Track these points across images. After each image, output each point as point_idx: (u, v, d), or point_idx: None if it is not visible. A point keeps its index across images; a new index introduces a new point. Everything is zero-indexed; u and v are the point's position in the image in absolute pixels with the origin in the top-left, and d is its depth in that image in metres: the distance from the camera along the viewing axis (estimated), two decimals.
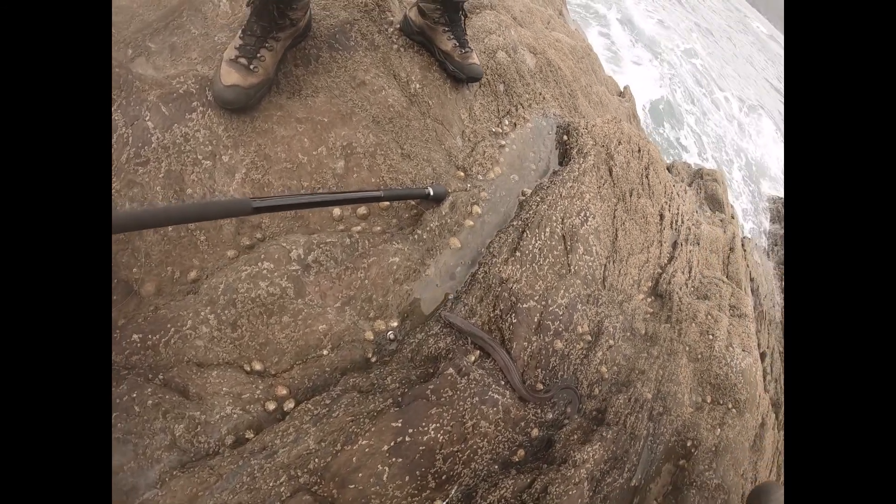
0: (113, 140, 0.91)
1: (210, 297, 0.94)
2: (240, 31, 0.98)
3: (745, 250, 2.47)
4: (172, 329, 0.91)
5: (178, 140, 0.95)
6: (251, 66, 0.96)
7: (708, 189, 2.22)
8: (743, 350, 1.38)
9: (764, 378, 2.00)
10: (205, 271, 0.97)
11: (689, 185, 2.24)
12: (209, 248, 0.98)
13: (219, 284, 0.94)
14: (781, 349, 2.15)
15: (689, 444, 1.25)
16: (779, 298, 2.47)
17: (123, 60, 1.00)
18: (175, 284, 0.96)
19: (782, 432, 2.03)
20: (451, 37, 1.23)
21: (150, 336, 0.90)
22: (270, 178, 1.03)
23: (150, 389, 0.87)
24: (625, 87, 2.68)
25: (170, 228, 0.94)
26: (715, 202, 2.18)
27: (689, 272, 1.54)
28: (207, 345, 0.93)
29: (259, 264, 0.97)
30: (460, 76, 1.27)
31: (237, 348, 0.96)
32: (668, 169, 2.36)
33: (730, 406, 1.34)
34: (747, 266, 2.29)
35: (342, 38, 1.12)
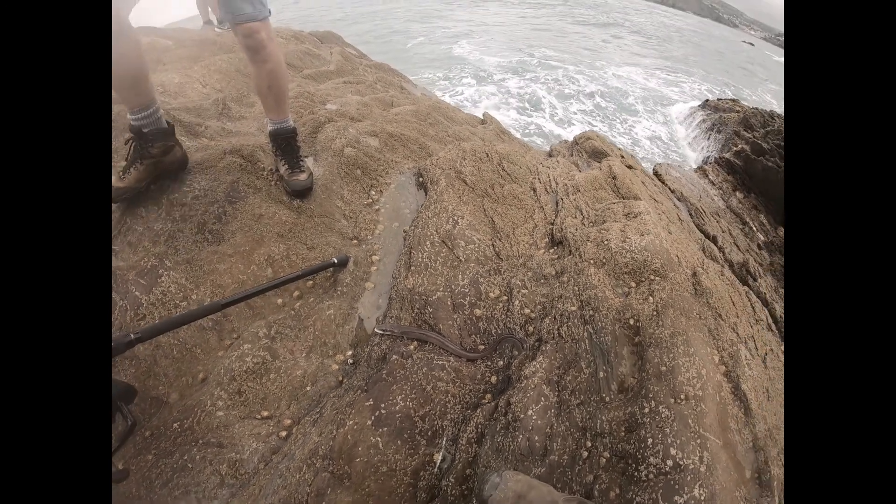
0: (116, 311, 1.92)
1: (217, 381, 1.84)
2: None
3: (659, 176, 3.46)
4: (198, 411, 1.79)
5: (159, 296, 1.96)
6: (122, 175, 2.04)
7: (587, 148, 3.29)
8: (640, 235, 2.22)
9: (723, 253, 2.77)
10: (208, 371, 1.90)
11: (570, 155, 3.31)
12: (205, 356, 1.92)
13: (220, 371, 1.85)
14: (738, 229, 2.94)
15: (632, 322, 1.93)
16: (712, 190, 3.38)
17: None
18: (191, 388, 1.87)
19: (725, 268, 2.68)
20: (284, 163, 2.32)
21: (184, 421, 1.78)
22: (225, 296, 2.03)
23: (195, 450, 1.71)
24: (484, 114, 4.01)
25: (174, 351, 1.89)
26: (598, 154, 3.22)
27: (581, 213, 2.49)
28: (225, 412, 1.80)
29: (241, 347, 1.90)
30: (289, 191, 2.33)
31: (247, 407, 1.82)
32: (549, 154, 3.48)
33: (652, 277, 2.07)
34: (664, 185, 3.23)
35: (234, 193, 2.25)
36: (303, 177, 2.33)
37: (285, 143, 2.31)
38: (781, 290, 2.66)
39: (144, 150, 2.10)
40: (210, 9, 5.94)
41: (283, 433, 1.77)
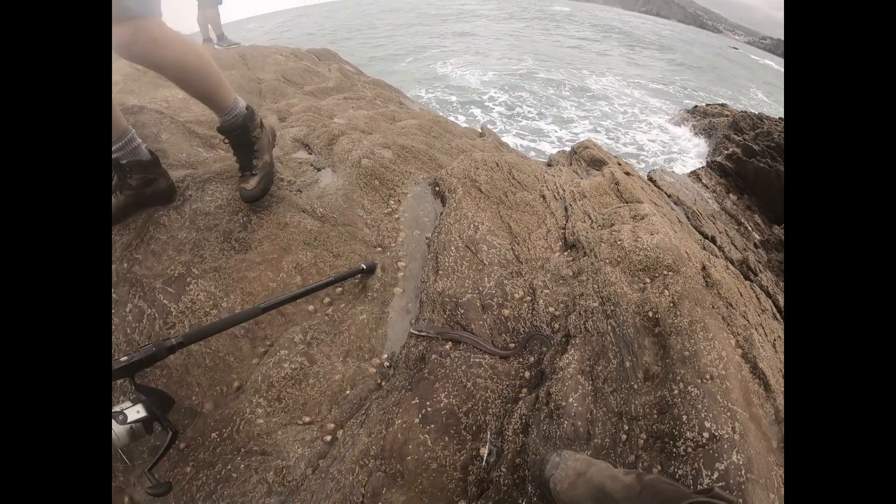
0: (144, 318, 1.81)
1: (255, 388, 1.75)
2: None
3: (654, 181, 3.61)
4: (237, 419, 1.70)
5: (189, 305, 1.86)
6: None
7: (586, 157, 3.40)
8: (650, 234, 2.31)
9: (722, 251, 2.90)
10: (243, 379, 1.81)
11: (570, 164, 3.42)
12: (239, 364, 1.83)
13: (257, 378, 1.77)
14: (734, 229, 3.10)
15: (650, 314, 2.01)
16: (706, 193, 3.56)
17: (124, 271, 1.97)
18: (226, 396, 1.77)
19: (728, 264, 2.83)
20: (238, 161, 2.03)
21: (223, 430, 1.68)
22: (258, 303, 1.96)
23: (238, 459, 1.61)
24: (482, 127, 4.11)
25: (207, 360, 1.79)
26: (597, 162, 3.33)
27: (589, 217, 2.56)
28: (266, 420, 1.71)
29: (277, 354, 1.82)
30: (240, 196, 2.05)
31: (287, 413, 1.74)
32: (548, 164, 3.58)
33: (665, 272, 2.15)
34: (660, 189, 3.38)
35: (258, 202, 2.20)
36: (249, 185, 2.05)
37: (234, 138, 2.01)
38: (781, 284, 2.78)
39: (123, 181, 1.96)
40: (210, 27, 5.99)
41: (328, 437, 1.70)
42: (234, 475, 1.59)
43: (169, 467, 1.64)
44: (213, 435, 1.67)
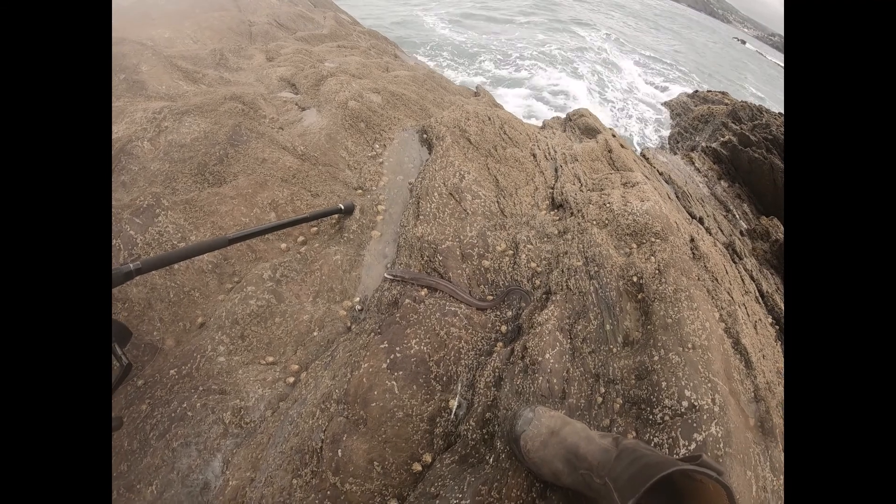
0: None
1: (218, 325, 1.50)
2: None
3: (647, 158, 3.31)
4: (198, 356, 1.46)
5: (156, 237, 1.60)
6: None
7: (580, 125, 3.08)
8: (640, 201, 2.03)
9: (710, 233, 2.65)
10: (207, 315, 1.55)
11: (564, 131, 3.11)
12: (204, 300, 1.58)
13: (221, 314, 1.52)
14: (722, 215, 2.83)
15: (635, 279, 1.77)
16: (697, 177, 3.26)
17: None
18: (188, 333, 1.53)
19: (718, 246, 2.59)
20: None
21: (182, 367, 1.44)
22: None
23: (195, 397, 1.38)
24: (477, 87, 3.75)
25: (171, 294, 1.54)
26: (591, 131, 3.02)
27: (579, 181, 2.27)
28: (227, 358, 1.47)
29: (244, 290, 1.57)
30: None
31: (250, 352, 1.50)
32: (543, 126, 3.27)
33: (653, 239, 1.90)
34: (652, 166, 3.08)
35: (236, 136, 1.89)
36: None
37: None
38: (765, 271, 2.53)
39: None
40: None
41: (291, 379, 1.47)
42: (189, 414, 1.36)
43: (125, 404, 1.40)
44: (172, 372, 1.43)
